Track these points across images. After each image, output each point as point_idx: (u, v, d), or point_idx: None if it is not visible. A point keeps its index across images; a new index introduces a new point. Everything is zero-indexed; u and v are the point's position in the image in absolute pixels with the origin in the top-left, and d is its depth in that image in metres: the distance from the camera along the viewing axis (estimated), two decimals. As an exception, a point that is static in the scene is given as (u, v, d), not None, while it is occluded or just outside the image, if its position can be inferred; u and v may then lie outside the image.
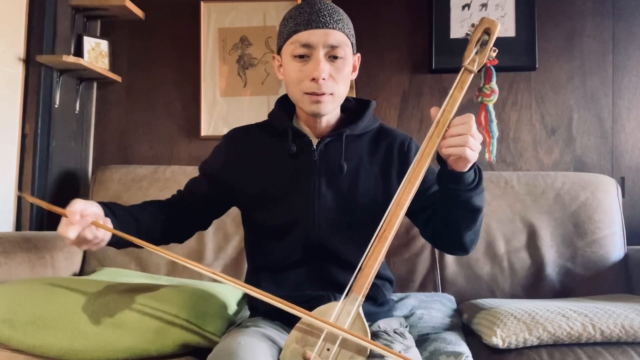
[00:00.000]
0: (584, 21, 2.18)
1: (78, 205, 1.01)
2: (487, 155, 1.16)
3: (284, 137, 1.23)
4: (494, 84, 1.14)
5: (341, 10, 1.18)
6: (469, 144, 1.00)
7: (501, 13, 2.17)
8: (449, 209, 1.13)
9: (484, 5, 2.19)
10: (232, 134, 1.32)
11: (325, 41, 1.12)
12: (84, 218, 1.01)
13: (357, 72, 1.24)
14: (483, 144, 1.18)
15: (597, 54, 2.17)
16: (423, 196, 1.07)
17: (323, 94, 1.14)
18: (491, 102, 1.16)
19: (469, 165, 1.04)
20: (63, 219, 1.02)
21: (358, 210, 1.20)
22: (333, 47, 1.13)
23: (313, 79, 1.13)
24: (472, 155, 1.02)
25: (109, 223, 1.06)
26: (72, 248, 1.93)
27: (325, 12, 1.14)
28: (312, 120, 1.22)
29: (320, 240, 1.20)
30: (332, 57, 1.14)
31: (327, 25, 1.13)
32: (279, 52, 1.22)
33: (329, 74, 1.13)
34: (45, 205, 1.05)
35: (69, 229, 0.99)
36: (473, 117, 1.02)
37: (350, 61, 1.18)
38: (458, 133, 1.01)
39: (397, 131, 1.30)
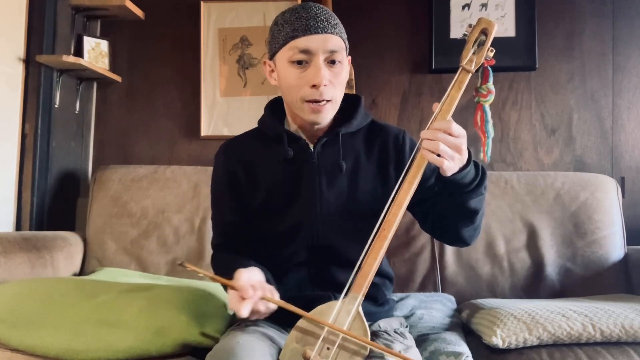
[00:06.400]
0: (584, 21, 2.18)
1: (245, 277, 1.01)
2: (481, 155, 1.16)
3: (279, 143, 1.21)
4: (490, 84, 1.14)
5: (334, 14, 1.17)
6: (441, 150, 0.99)
7: (501, 13, 2.17)
8: (445, 207, 1.13)
9: (484, 5, 2.19)
10: (225, 148, 1.29)
11: (324, 47, 1.12)
12: (256, 292, 1.00)
13: (348, 74, 1.23)
14: (478, 143, 1.18)
15: (597, 54, 2.17)
16: (420, 189, 1.07)
17: (323, 101, 1.13)
18: (487, 102, 1.16)
19: (450, 171, 1.02)
20: (233, 293, 1.01)
21: (359, 208, 1.20)
22: (332, 52, 1.12)
23: (313, 86, 1.12)
24: (447, 164, 1.00)
25: (274, 292, 1.05)
26: (71, 248, 1.93)
27: (323, 17, 1.13)
28: (307, 123, 1.21)
29: (324, 242, 1.20)
30: (331, 62, 1.13)
31: (325, 30, 1.12)
32: (271, 57, 1.19)
33: (329, 80, 1.12)
34: (208, 275, 1.02)
35: (242, 306, 0.98)
36: (449, 124, 1.01)
37: (346, 65, 1.18)
38: (428, 137, 1.00)
39: (390, 125, 1.30)
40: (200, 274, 1.01)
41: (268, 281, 1.09)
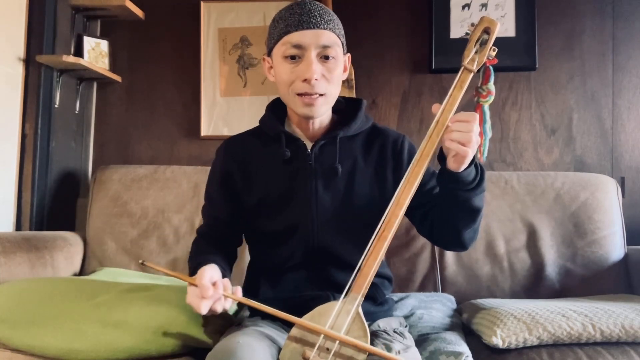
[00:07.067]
0: (584, 21, 2.18)
1: (207, 276, 1.02)
2: (477, 155, 1.17)
3: (278, 143, 1.22)
4: (491, 84, 1.14)
5: (331, 11, 1.18)
6: (472, 144, 1.01)
7: (501, 13, 2.17)
8: (448, 208, 1.13)
9: (484, 5, 2.19)
10: (226, 145, 1.30)
11: (316, 42, 1.12)
12: (216, 290, 1.01)
13: (347, 72, 1.23)
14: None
15: (597, 54, 2.17)
16: (419, 193, 1.08)
17: (315, 94, 1.13)
18: (487, 102, 1.16)
19: (464, 164, 1.04)
20: (192, 289, 1.02)
21: (355, 212, 1.20)
22: (325, 48, 1.13)
23: (305, 80, 1.12)
24: (470, 156, 1.03)
25: (228, 284, 1.06)
26: (71, 248, 1.93)
27: (316, 13, 1.13)
28: (305, 122, 1.22)
29: (320, 243, 1.20)
30: (324, 58, 1.14)
31: (318, 25, 1.12)
32: (269, 53, 1.21)
33: (321, 75, 1.13)
34: (169, 273, 1.05)
35: (202, 304, 1.00)
36: (477, 117, 1.02)
37: (341, 61, 1.18)
38: (462, 130, 1.01)
39: (390, 130, 1.30)
40: (161, 272, 1.04)
41: (224, 276, 1.10)
